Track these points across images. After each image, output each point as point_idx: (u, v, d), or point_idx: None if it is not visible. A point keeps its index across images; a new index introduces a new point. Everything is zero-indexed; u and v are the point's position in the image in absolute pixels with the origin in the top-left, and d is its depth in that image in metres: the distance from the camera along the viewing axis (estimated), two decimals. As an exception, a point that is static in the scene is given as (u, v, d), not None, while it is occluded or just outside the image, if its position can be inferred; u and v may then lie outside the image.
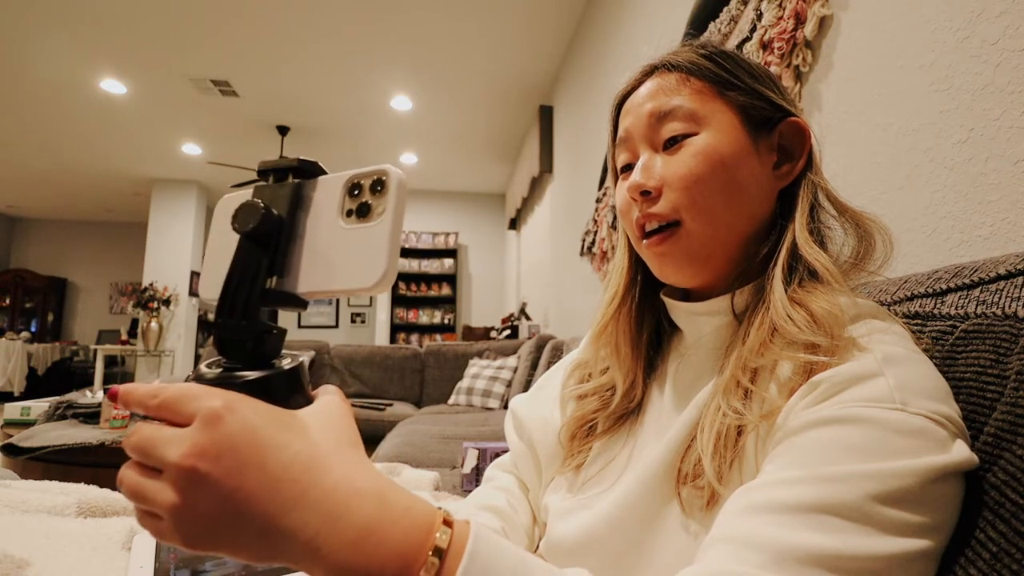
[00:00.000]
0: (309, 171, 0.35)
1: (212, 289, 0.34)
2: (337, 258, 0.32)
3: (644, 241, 0.49)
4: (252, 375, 0.31)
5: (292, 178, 0.34)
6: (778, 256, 0.45)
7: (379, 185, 0.32)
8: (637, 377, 0.53)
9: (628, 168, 0.52)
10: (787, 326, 0.40)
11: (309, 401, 0.33)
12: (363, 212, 0.32)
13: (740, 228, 0.47)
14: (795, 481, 0.33)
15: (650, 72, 0.51)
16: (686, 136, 0.47)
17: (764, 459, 0.38)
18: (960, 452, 0.33)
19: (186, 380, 0.32)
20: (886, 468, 0.32)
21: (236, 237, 0.32)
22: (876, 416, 0.33)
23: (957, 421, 0.35)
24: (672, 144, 0.48)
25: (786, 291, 0.43)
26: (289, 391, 0.33)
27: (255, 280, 0.32)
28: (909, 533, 0.31)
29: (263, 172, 0.35)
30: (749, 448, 0.39)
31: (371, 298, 8.21)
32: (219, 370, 0.32)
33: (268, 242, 0.32)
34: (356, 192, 0.33)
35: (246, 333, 0.31)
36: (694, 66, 0.48)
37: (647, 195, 0.48)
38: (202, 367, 0.32)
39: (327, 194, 0.34)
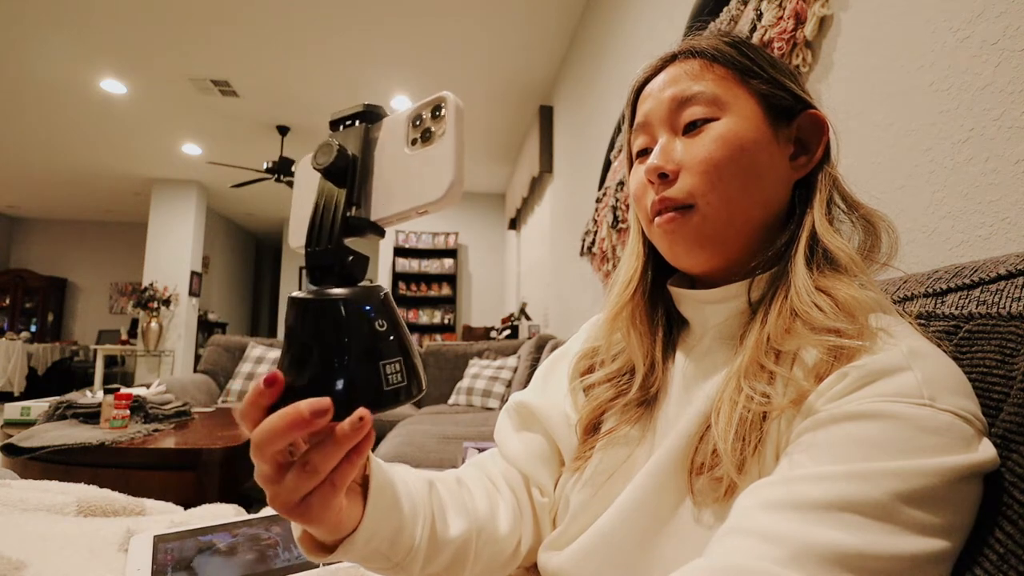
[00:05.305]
0: (375, 114, 0.38)
1: (299, 236, 0.37)
2: (406, 181, 0.35)
3: (655, 219, 0.48)
4: (343, 291, 0.33)
5: (360, 122, 0.38)
6: (798, 242, 0.44)
7: (438, 110, 0.35)
8: (656, 359, 0.51)
9: (644, 153, 0.51)
10: (812, 312, 0.39)
11: (397, 325, 0.34)
12: (426, 137, 0.35)
13: (755, 215, 0.46)
14: (819, 477, 0.32)
15: (670, 60, 0.51)
16: (707, 120, 0.47)
17: (785, 446, 0.37)
18: (986, 451, 0.33)
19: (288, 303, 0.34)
20: (912, 466, 0.31)
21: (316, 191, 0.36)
22: (903, 412, 0.33)
23: (981, 418, 0.34)
24: (692, 128, 0.47)
25: (809, 277, 0.42)
26: (383, 307, 0.34)
27: (336, 210, 0.35)
28: (932, 533, 0.31)
29: (335, 122, 0.38)
30: (772, 434, 0.38)
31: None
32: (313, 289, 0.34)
33: (344, 176, 0.35)
34: (418, 122, 0.35)
35: (334, 257, 0.34)
36: (718, 52, 0.48)
37: (664, 178, 0.47)
38: (295, 293, 0.34)
39: (392, 131, 0.37)
